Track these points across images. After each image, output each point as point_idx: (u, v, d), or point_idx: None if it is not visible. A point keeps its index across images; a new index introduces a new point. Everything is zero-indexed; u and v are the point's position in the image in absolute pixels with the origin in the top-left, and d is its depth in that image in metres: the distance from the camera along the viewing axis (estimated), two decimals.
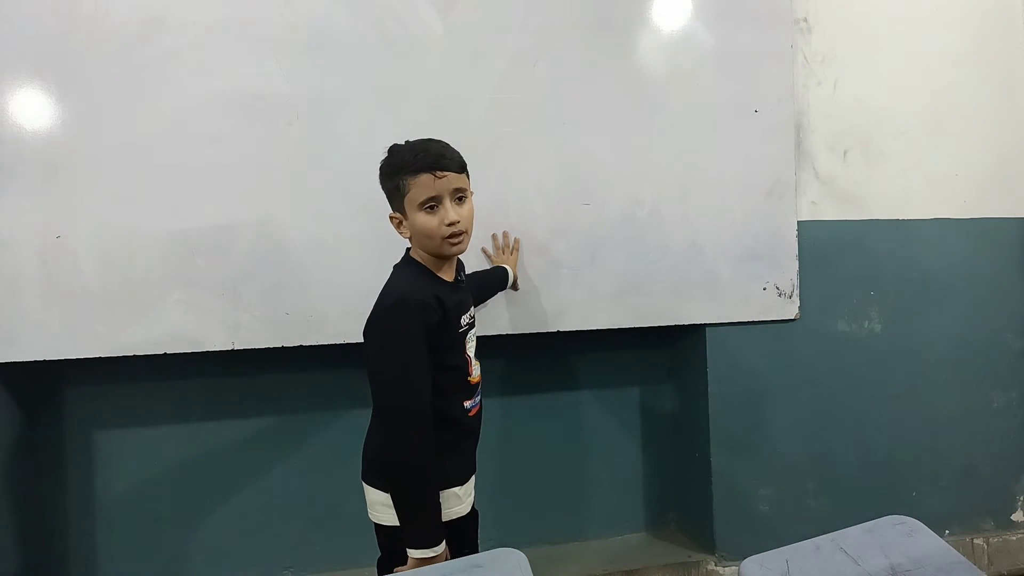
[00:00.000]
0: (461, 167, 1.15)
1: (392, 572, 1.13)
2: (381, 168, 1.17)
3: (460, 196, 1.14)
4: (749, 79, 1.86)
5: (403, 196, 1.12)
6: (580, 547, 1.99)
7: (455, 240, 1.13)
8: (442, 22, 1.66)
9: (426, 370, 1.09)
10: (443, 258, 1.18)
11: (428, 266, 1.17)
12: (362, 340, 1.14)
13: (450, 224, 1.11)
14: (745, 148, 1.86)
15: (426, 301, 1.09)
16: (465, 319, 1.21)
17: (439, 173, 1.10)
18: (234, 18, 1.55)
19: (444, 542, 1.09)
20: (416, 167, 1.10)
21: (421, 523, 1.08)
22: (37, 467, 1.66)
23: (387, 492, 1.12)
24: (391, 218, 1.18)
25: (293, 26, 1.58)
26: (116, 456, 1.73)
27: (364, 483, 1.19)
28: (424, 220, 1.11)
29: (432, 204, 1.11)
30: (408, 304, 1.08)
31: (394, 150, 1.15)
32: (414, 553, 1.07)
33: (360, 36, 1.62)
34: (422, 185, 1.10)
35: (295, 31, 1.59)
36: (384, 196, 1.18)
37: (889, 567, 0.97)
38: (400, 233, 1.18)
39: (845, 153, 1.99)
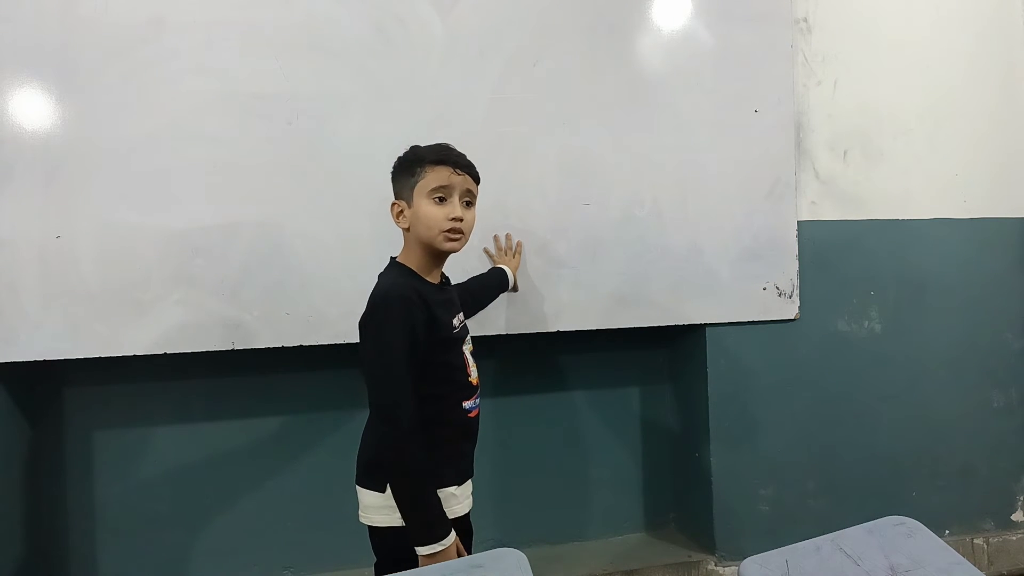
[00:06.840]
0: (477, 177, 1.20)
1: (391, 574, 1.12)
2: (398, 160, 1.19)
3: (468, 200, 1.18)
4: (749, 79, 1.86)
5: (415, 183, 1.14)
6: (580, 547, 1.98)
7: (454, 235, 1.14)
8: (442, 22, 1.66)
9: (407, 368, 1.07)
10: (434, 256, 1.18)
11: (414, 268, 1.17)
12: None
13: (454, 219, 1.13)
14: (745, 148, 1.86)
15: (408, 296, 1.09)
16: (456, 321, 1.20)
17: (458, 170, 1.15)
18: (234, 18, 1.55)
19: (452, 535, 1.08)
20: (438, 159, 1.14)
21: (419, 519, 1.07)
22: (37, 467, 1.66)
23: (381, 493, 1.11)
24: (393, 205, 1.18)
25: (293, 26, 1.58)
26: (116, 456, 1.73)
27: (358, 486, 1.16)
28: (429, 209, 1.13)
29: (442, 196, 1.13)
30: (390, 303, 1.08)
31: (416, 147, 1.18)
32: (420, 550, 1.06)
33: (360, 36, 1.62)
34: (438, 174, 1.13)
35: (295, 31, 1.59)
36: (386, 195, 1.18)
37: (889, 567, 0.97)
38: (397, 223, 1.18)
39: (845, 153, 1.99)
